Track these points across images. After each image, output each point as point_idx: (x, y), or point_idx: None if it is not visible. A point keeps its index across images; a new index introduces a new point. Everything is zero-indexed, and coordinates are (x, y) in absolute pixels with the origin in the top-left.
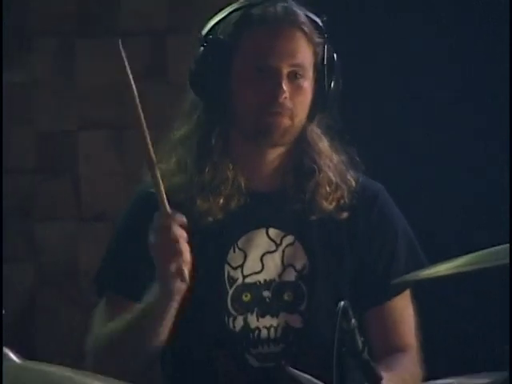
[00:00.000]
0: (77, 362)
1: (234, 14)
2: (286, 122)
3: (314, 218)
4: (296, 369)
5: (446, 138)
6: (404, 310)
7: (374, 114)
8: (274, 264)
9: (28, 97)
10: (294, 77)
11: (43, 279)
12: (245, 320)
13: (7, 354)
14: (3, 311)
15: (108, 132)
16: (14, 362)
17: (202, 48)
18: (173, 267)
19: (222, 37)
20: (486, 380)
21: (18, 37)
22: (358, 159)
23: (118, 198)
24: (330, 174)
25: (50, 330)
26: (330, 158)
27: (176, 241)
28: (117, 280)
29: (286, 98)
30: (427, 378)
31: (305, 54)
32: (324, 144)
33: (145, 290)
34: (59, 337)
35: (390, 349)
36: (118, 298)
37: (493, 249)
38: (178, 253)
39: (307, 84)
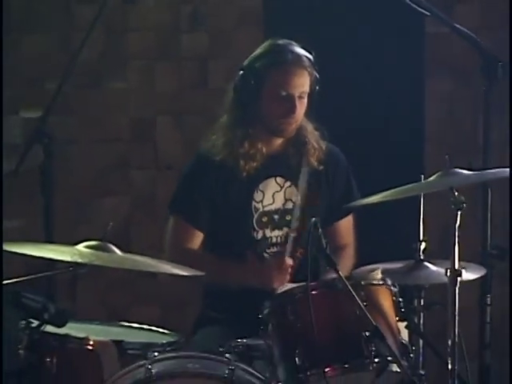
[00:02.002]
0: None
1: (266, 54)
2: (294, 126)
3: (303, 169)
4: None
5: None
6: (350, 223)
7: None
8: (279, 199)
9: None
10: (300, 97)
11: (135, 209)
12: (263, 232)
13: (111, 247)
14: None
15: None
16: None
17: (241, 71)
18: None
19: (257, 67)
20: (401, 264)
21: None
22: (325, 133)
23: (181, 157)
24: (314, 143)
25: (140, 250)
26: (312, 134)
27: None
28: (180, 207)
29: (296, 113)
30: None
31: (307, 84)
32: (309, 126)
33: (197, 215)
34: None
35: (344, 245)
36: (179, 218)
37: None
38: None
39: (306, 99)
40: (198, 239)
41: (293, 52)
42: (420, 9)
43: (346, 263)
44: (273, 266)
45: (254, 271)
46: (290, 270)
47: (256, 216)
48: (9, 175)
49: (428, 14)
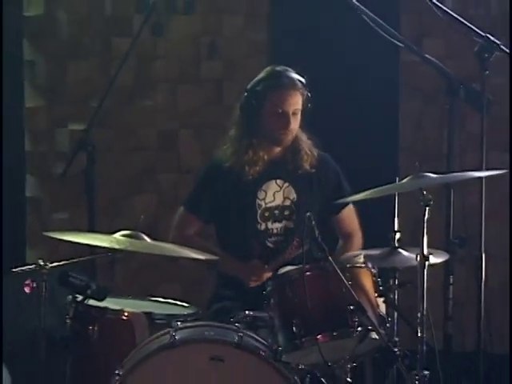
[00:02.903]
0: None
1: (266, 78)
2: (290, 137)
3: (298, 172)
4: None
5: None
6: (351, 213)
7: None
8: (279, 197)
9: None
10: (294, 114)
11: (161, 205)
12: (265, 225)
13: (142, 236)
14: None
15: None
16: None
17: (246, 93)
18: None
19: (259, 89)
20: (379, 251)
21: None
22: (317, 143)
23: (199, 163)
24: (307, 151)
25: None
26: (306, 143)
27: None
28: (189, 203)
29: (291, 127)
30: None
31: (299, 103)
32: (303, 137)
33: (199, 207)
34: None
35: (350, 233)
36: (185, 209)
37: (382, 187)
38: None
39: (299, 115)
40: (195, 228)
41: (288, 77)
42: (395, 41)
43: (354, 248)
44: (253, 271)
45: (239, 268)
46: (265, 278)
47: (260, 211)
48: (58, 177)
49: (402, 45)
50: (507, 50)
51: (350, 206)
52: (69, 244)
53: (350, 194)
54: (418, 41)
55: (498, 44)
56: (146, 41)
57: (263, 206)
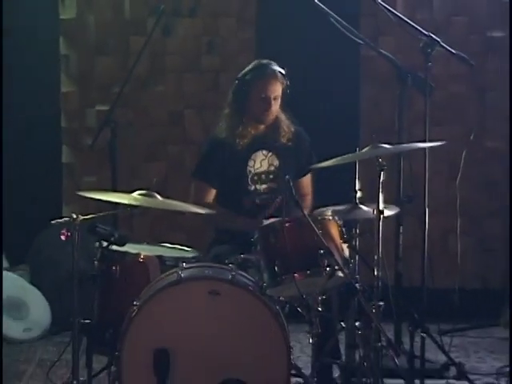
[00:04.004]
0: None
1: (253, 70)
2: (272, 117)
3: (279, 144)
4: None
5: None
6: (309, 179)
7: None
8: (265, 164)
9: None
10: (275, 99)
11: (171, 171)
12: (255, 186)
13: (155, 195)
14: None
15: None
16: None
17: (237, 81)
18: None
19: (247, 78)
20: (344, 206)
21: None
22: (294, 121)
23: (201, 137)
24: (285, 128)
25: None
26: (285, 121)
27: None
28: (199, 174)
29: (272, 109)
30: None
31: (280, 90)
32: (283, 116)
33: (210, 177)
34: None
35: (306, 194)
36: (198, 180)
37: (345, 156)
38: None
39: (279, 99)
40: (211, 195)
41: (271, 69)
42: (357, 39)
43: (307, 206)
44: (253, 222)
45: (243, 223)
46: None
47: (250, 176)
48: (88, 148)
49: (362, 42)
50: (446, 47)
51: (309, 174)
52: (96, 201)
53: (317, 162)
54: (374, 39)
55: (438, 41)
56: (157, 39)
57: (252, 171)
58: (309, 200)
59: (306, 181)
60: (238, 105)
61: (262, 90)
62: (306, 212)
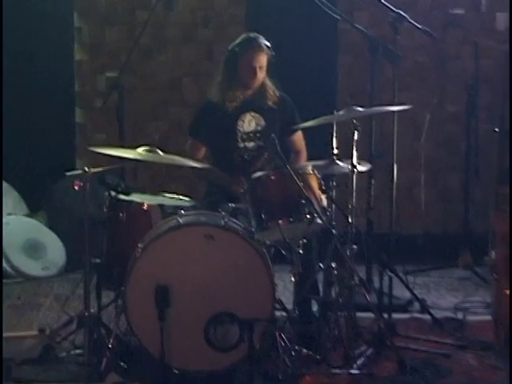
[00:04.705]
0: None
1: (242, 42)
2: (257, 83)
3: (265, 107)
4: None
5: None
6: (300, 137)
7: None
8: (253, 124)
9: None
10: (260, 68)
11: (171, 129)
12: (244, 144)
13: (157, 150)
14: None
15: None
16: (160, 153)
17: (227, 53)
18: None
19: (236, 50)
20: (323, 162)
21: None
22: (279, 86)
23: (197, 100)
24: (271, 92)
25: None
26: (270, 87)
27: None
28: (192, 132)
29: (257, 77)
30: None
31: (265, 60)
32: (268, 82)
33: (201, 135)
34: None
35: (299, 151)
36: (192, 138)
37: (324, 117)
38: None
39: (265, 68)
40: (203, 152)
41: (257, 41)
42: (334, 14)
43: (301, 160)
44: (236, 182)
45: (228, 181)
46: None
47: (239, 134)
48: (98, 109)
49: (339, 17)
50: (412, 22)
51: (299, 132)
52: (105, 156)
53: (301, 123)
54: (350, 14)
55: (405, 17)
56: (160, 13)
57: (241, 130)
58: (303, 155)
59: (298, 138)
60: (229, 73)
61: (249, 61)
62: (289, 166)
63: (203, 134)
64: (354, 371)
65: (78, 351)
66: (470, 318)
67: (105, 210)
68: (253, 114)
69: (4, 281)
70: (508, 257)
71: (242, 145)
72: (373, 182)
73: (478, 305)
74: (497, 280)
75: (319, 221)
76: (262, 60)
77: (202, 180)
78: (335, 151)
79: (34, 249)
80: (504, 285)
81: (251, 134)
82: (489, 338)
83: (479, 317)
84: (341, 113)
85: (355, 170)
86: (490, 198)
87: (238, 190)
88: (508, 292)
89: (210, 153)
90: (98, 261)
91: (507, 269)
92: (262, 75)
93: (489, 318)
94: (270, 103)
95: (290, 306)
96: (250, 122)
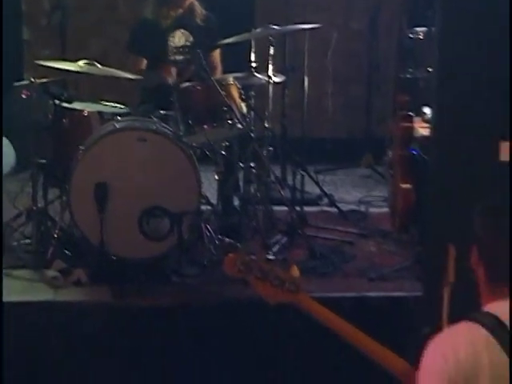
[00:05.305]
0: None
1: None
2: (188, 3)
3: (194, 24)
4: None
5: None
6: (218, 53)
7: None
8: (182, 40)
9: None
10: None
11: (110, 46)
12: (174, 57)
13: (96, 63)
14: None
15: None
16: (99, 66)
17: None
18: None
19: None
20: (243, 74)
21: None
22: (206, 7)
23: (133, 21)
24: (199, 11)
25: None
26: (198, 7)
27: None
28: (131, 47)
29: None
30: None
31: None
32: (197, 3)
33: (142, 49)
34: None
35: (216, 66)
36: (131, 53)
37: (243, 34)
38: None
39: None
40: (142, 64)
41: None
42: None
43: (218, 73)
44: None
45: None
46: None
47: (171, 48)
48: (44, 26)
49: None
50: None
51: (218, 50)
52: (50, 69)
53: (223, 39)
54: None
55: None
56: None
57: (172, 45)
58: (219, 70)
59: (216, 55)
60: None
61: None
62: (213, 78)
63: (140, 49)
64: (270, 257)
65: (27, 241)
66: (371, 210)
67: (50, 116)
68: (182, 31)
69: None
70: (404, 157)
71: (172, 58)
72: (286, 92)
73: (377, 199)
74: (392, 176)
75: (240, 126)
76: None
77: (137, 87)
78: (253, 64)
79: None
80: (399, 180)
81: (180, 49)
82: (386, 228)
83: (379, 209)
84: (258, 30)
85: (271, 81)
86: (387, 106)
87: (170, 77)
88: (404, 186)
89: (146, 66)
90: (44, 162)
91: (402, 166)
92: None
93: (386, 210)
94: (198, 21)
95: (214, 201)
96: (179, 38)
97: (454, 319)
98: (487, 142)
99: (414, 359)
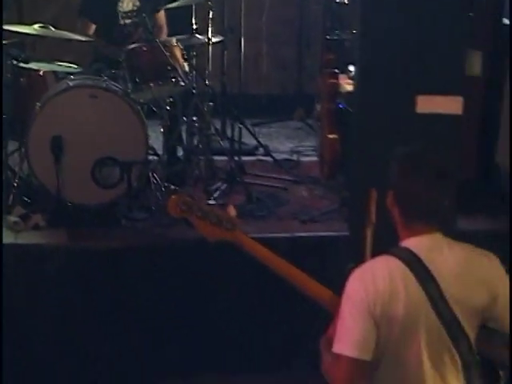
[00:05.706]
0: None
1: None
2: None
3: None
4: None
5: None
6: (163, 15)
7: None
8: (130, 5)
9: None
10: None
11: (65, 12)
12: (124, 21)
13: (50, 27)
14: None
15: None
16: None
17: None
18: None
19: None
20: (184, 36)
21: None
22: None
23: None
24: None
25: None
26: None
27: None
28: (83, 13)
29: None
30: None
31: None
32: None
33: (93, 14)
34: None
35: (162, 26)
36: (82, 18)
37: None
38: None
39: None
40: (92, 29)
41: None
42: None
43: (163, 34)
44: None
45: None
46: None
47: (120, 14)
48: None
49: None
50: None
51: (163, 11)
52: (7, 31)
53: (165, 3)
54: None
55: None
56: None
57: (122, 10)
58: (164, 29)
59: (161, 16)
60: None
61: None
62: (158, 39)
63: (91, 14)
64: (211, 202)
65: None
66: (303, 159)
67: (8, 75)
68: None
69: None
70: (331, 110)
71: (122, 22)
72: (225, 52)
73: (308, 149)
74: (321, 127)
75: (183, 83)
76: None
77: (89, 49)
78: (194, 27)
79: None
80: (326, 131)
81: (129, 13)
82: (316, 174)
83: (309, 158)
84: None
85: (210, 41)
86: (316, 65)
87: (118, 57)
88: (331, 137)
89: (97, 29)
90: (4, 117)
91: (329, 118)
92: None
93: (316, 158)
94: None
95: (160, 152)
96: (128, 3)
97: (377, 255)
98: (404, 96)
99: (340, 290)
